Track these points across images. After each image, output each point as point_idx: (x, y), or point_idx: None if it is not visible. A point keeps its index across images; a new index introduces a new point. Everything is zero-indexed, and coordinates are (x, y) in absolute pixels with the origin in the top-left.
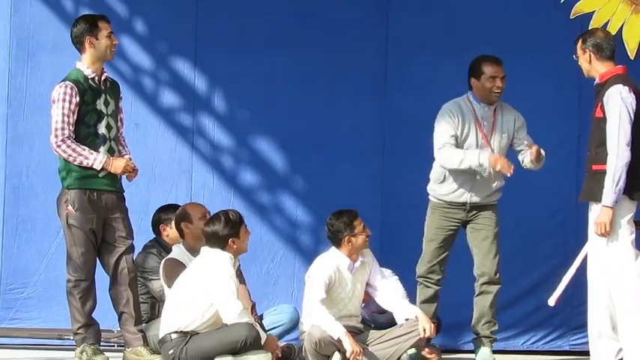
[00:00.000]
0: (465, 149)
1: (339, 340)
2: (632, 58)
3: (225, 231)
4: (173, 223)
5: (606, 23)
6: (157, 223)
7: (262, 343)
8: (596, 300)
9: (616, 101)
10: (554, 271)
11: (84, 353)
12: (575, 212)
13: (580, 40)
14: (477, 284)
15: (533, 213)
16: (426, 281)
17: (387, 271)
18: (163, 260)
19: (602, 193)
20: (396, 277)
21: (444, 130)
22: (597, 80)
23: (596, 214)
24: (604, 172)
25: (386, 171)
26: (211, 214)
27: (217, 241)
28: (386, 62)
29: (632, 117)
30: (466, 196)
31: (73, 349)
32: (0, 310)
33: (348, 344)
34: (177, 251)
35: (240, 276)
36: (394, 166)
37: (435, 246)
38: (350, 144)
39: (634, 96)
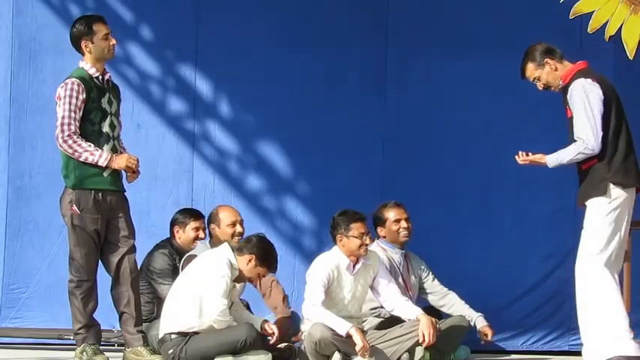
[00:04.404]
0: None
1: (349, 336)
2: (631, 58)
3: None
4: (187, 226)
5: (605, 23)
6: (172, 224)
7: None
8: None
9: (579, 94)
10: (554, 271)
11: (84, 353)
12: (575, 212)
13: (529, 64)
14: None
15: (533, 213)
16: None
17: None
18: (185, 256)
19: (596, 188)
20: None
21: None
22: (561, 83)
23: (591, 210)
24: (593, 166)
25: (386, 171)
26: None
27: None
28: (386, 63)
29: (602, 105)
30: None
31: (73, 349)
32: (2, 310)
33: (359, 339)
34: (201, 248)
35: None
36: (394, 166)
37: None
38: (350, 144)
39: (599, 85)
